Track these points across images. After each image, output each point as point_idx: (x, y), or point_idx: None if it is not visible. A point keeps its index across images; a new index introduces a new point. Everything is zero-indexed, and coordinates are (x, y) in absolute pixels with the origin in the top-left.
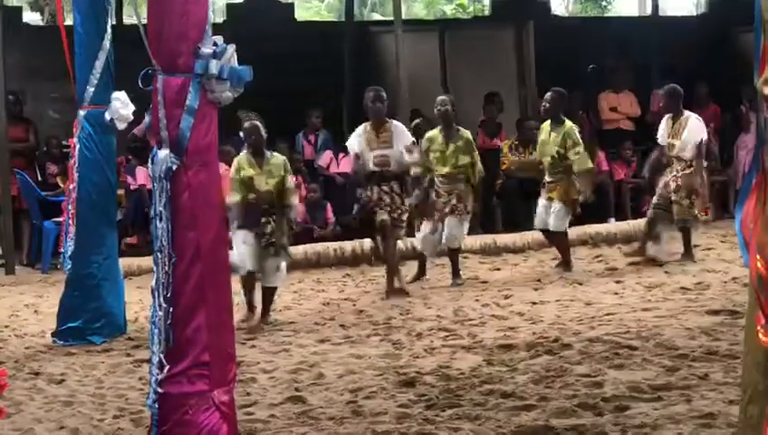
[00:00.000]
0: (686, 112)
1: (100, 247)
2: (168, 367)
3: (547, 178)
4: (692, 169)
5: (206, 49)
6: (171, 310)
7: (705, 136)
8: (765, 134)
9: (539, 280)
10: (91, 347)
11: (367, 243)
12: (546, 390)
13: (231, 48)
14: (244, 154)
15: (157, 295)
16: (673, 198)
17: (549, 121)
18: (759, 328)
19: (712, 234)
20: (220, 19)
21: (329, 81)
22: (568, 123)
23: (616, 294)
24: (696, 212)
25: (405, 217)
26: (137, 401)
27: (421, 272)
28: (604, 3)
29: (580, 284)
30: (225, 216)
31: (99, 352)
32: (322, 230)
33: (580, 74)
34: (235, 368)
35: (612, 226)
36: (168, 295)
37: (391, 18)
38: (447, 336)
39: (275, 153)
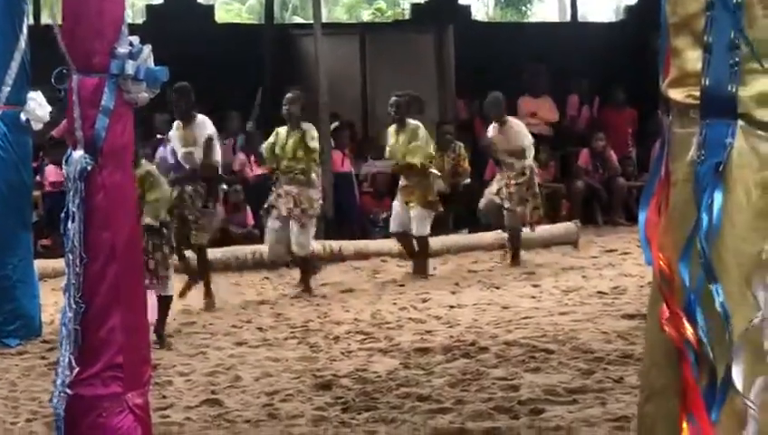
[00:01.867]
0: (510, 118)
1: (15, 249)
2: (79, 369)
3: (401, 182)
4: (524, 177)
5: (122, 49)
6: (82, 311)
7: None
8: (667, 136)
9: (456, 283)
10: (5, 350)
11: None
12: (462, 393)
13: (147, 48)
14: None
15: (68, 296)
16: (506, 205)
17: (394, 126)
18: (664, 321)
19: (629, 238)
20: (140, 20)
21: (248, 83)
22: (412, 124)
23: (533, 297)
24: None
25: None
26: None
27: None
28: (524, 9)
29: (498, 287)
30: (138, 216)
31: (13, 355)
32: (241, 231)
33: (499, 79)
34: (150, 370)
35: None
36: (80, 296)
37: (312, 21)
38: (365, 339)
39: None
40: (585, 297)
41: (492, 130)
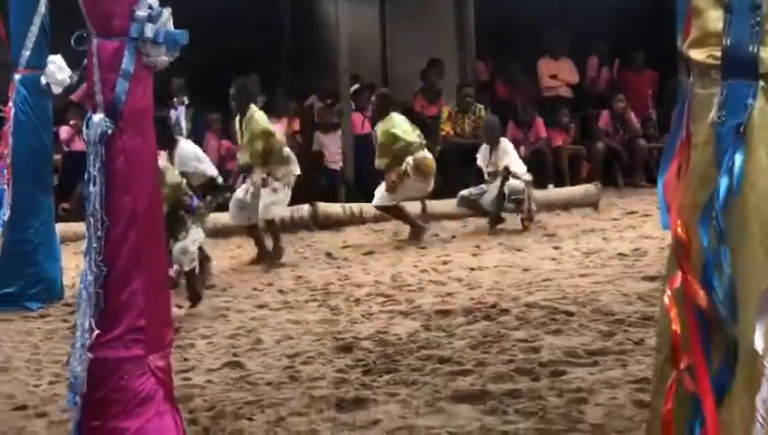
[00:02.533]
0: (503, 140)
1: (37, 213)
2: (101, 332)
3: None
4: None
5: (142, 12)
6: (104, 274)
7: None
8: (688, 97)
9: (477, 246)
10: (27, 313)
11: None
12: (483, 355)
13: (167, 11)
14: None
15: (88, 260)
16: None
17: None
18: (668, 292)
19: (650, 200)
20: None
21: (267, 47)
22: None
23: (554, 259)
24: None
25: None
26: None
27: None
28: None
29: (518, 250)
30: (159, 181)
31: (35, 318)
32: None
33: (519, 41)
34: (172, 333)
35: (552, 192)
36: (101, 260)
37: None
38: (385, 302)
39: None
40: (606, 259)
41: (483, 151)
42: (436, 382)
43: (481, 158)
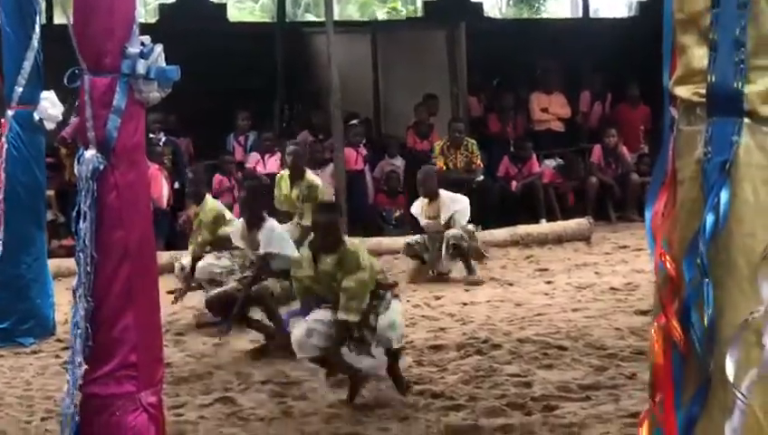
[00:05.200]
0: (442, 192)
1: (29, 248)
2: (94, 368)
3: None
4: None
5: (133, 48)
6: (93, 310)
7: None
8: (674, 133)
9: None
10: (19, 349)
11: None
12: (476, 390)
13: (158, 48)
14: None
15: (78, 295)
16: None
17: (288, 174)
18: (655, 326)
19: (642, 234)
20: (153, 19)
21: (261, 81)
22: (310, 178)
23: (546, 294)
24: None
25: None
26: None
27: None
28: (537, 5)
29: (511, 284)
30: (151, 215)
31: (27, 354)
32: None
33: (512, 75)
34: (163, 369)
35: (544, 226)
36: (90, 295)
37: (324, 19)
38: None
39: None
40: (598, 293)
41: (419, 204)
42: (428, 417)
43: (417, 208)
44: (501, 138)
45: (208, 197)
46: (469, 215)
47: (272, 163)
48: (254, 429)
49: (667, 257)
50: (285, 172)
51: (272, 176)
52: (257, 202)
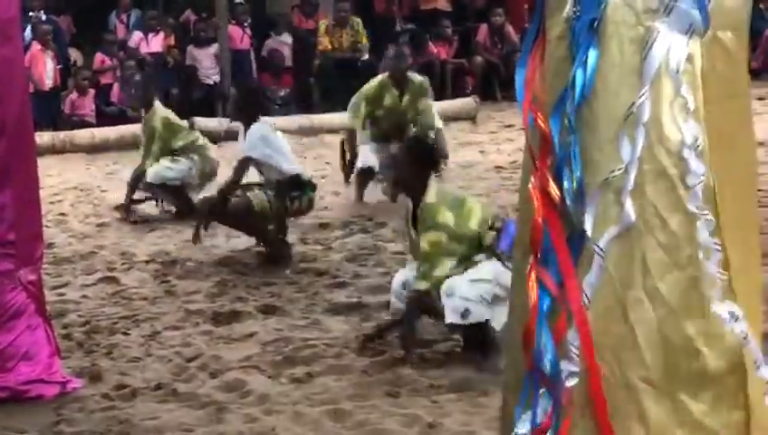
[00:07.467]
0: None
1: None
2: None
3: None
4: None
5: None
6: None
7: None
8: None
9: None
10: None
11: None
12: (359, 268)
13: None
14: None
15: None
16: None
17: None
18: (532, 182)
19: None
20: None
21: None
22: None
23: None
24: None
25: None
26: None
27: None
28: None
29: None
30: (28, 92)
31: None
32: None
33: None
34: (43, 247)
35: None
36: None
37: None
38: None
39: None
40: (482, 172)
41: None
42: (312, 295)
43: None
44: (387, 17)
45: (157, 103)
46: None
47: (155, 42)
48: (136, 307)
49: (539, 114)
50: (384, 77)
51: (155, 55)
52: (251, 105)
